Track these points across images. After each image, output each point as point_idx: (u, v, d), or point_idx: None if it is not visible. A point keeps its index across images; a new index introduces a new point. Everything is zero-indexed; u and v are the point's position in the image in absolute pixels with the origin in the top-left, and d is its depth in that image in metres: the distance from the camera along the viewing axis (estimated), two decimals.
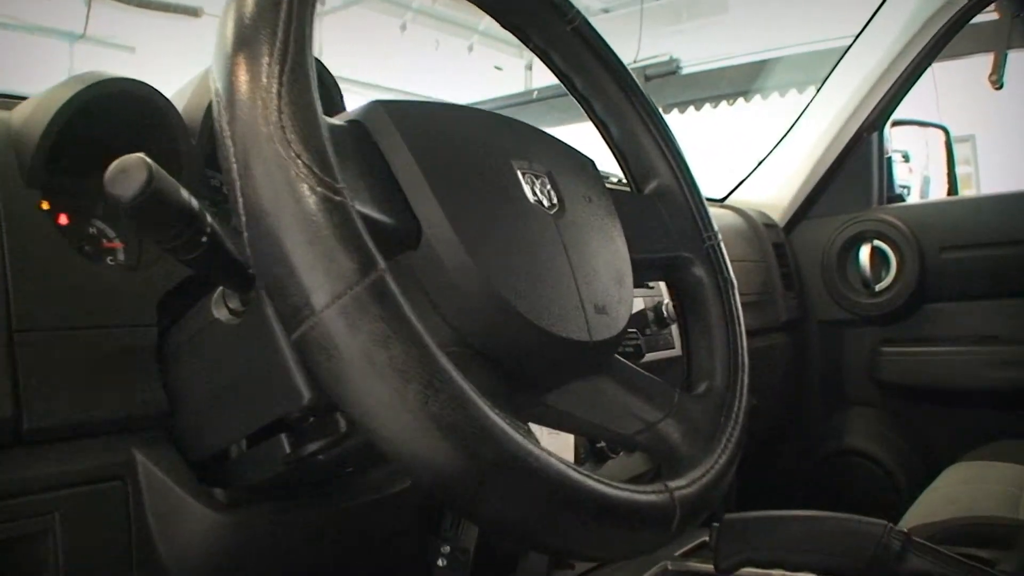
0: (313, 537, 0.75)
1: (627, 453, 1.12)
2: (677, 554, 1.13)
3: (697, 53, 5.81)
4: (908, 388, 1.86)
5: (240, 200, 0.44)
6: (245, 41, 0.46)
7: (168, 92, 0.77)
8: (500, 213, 0.58)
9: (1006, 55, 1.69)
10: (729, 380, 0.73)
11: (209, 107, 0.71)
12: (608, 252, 0.66)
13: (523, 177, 0.62)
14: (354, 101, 0.67)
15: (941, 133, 2.23)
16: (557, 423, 0.69)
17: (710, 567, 0.89)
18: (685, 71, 5.75)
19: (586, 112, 0.81)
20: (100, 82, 0.71)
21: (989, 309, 1.79)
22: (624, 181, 0.83)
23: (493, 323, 0.55)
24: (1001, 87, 1.68)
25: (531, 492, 0.46)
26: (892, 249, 1.85)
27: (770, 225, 1.88)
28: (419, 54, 7.05)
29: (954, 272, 1.80)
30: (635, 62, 5.37)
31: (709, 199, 1.96)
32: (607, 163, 0.84)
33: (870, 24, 1.89)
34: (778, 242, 1.87)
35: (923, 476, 1.59)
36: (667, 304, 0.98)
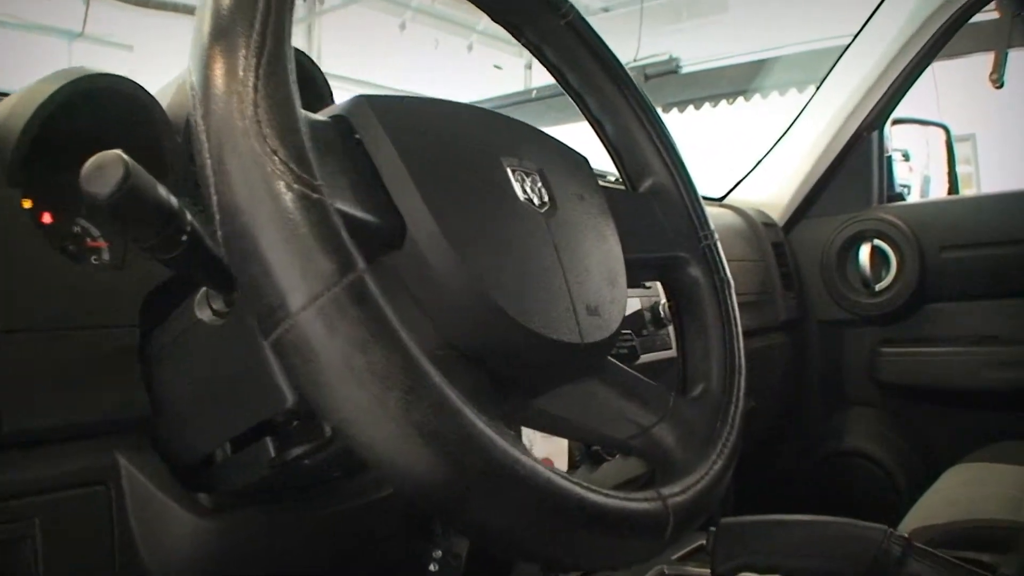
0: (300, 543, 0.73)
1: (623, 456, 1.10)
2: (674, 558, 1.11)
3: (697, 52, 5.81)
4: (908, 388, 1.84)
5: (214, 197, 0.42)
6: (222, 33, 0.44)
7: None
8: (489, 212, 0.57)
9: (1006, 54, 1.67)
10: (725, 383, 0.71)
11: None
12: (601, 252, 0.65)
13: (513, 175, 0.60)
14: None
15: (942, 132, 2.22)
16: (548, 427, 0.67)
17: (707, 571, 0.88)
18: (685, 70, 5.75)
19: (580, 109, 0.80)
20: (82, 78, 0.70)
21: (990, 309, 1.77)
22: (619, 179, 0.82)
23: (481, 325, 0.53)
24: (1001, 86, 1.67)
25: (518, 501, 0.44)
26: (892, 248, 1.83)
27: (769, 224, 1.86)
28: (418, 53, 7.04)
29: (954, 272, 1.79)
30: (635, 61, 5.36)
31: (707, 198, 1.96)
32: (604, 162, 0.83)
33: (870, 22, 1.87)
34: (777, 241, 1.85)
35: (923, 477, 1.57)
36: (664, 304, 0.97)
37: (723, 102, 5.56)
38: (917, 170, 2.26)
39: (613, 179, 1.16)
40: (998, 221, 1.78)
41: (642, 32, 5.65)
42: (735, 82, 5.45)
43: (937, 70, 2.05)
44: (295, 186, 0.41)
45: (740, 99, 5.48)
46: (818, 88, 1.96)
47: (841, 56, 1.91)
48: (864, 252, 1.87)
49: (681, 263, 0.76)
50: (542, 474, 0.45)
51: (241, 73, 0.43)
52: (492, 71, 7.27)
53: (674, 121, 5.55)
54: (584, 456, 1.02)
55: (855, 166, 1.93)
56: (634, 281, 0.71)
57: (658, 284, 1.17)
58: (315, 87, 0.84)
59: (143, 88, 0.73)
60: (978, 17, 1.81)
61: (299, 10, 6.60)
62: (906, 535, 0.81)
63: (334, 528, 0.75)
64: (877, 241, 1.85)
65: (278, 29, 0.45)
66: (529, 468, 0.44)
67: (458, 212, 0.54)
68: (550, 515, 0.45)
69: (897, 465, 1.83)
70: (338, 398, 0.41)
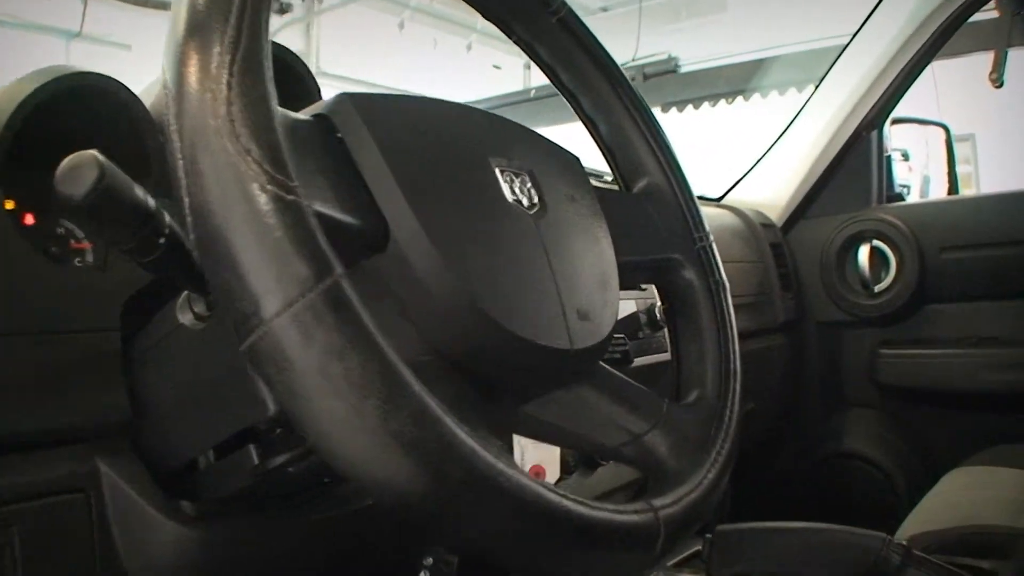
0: (286, 551, 0.72)
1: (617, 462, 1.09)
2: (669, 565, 1.10)
3: (696, 52, 5.80)
4: (907, 390, 1.83)
5: (186, 199, 0.41)
6: (196, 29, 0.43)
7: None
8: (476, 213, 0.55)
9: (1006, 53, 1.66)
10: (720, 388, 0.69)
11: None
12: (592, 254, 0.63)
13: (502, 175, 0.58)
14: None
15: (941, 131, 2.20)
16: (538, 434, 0.66)
17: None
18: (683, 70, 5.74)
19: (573, 108, 0.78)
20: (63, 76, 0.68)
21: (990, 310, 1.76)
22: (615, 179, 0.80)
23: (467, 331, 0.51)
24: (1001, 85, 1.66)
25: (502, 514, 0.43)
26: (891, 249, 1.82)
27: (767, 225, 1.85)
28: (417, 53, 7.03)
29: (954, 273, 1.77)
30: (633, 60, 5.35)
31: (705, 199, 1.95)
32: (601, 162, 0.81)
33: (869, 21, 1.86)
34: (775, 242, 1.83)
35: (923, 479, 1.56)
36: (660, 306, 0.95)
37: (722, 102, 5.55)
38: (917, 170, 2.25)
39: (610, 179, 1.15)
40: (998, 222, 1.76)
41: (641, 32, 5.64)
42: (734, 82, 5.44)
43: (936, 69, 2.04)
44: (269, 187, 0.40)
45: (739, 99, 5.47)
46: (817, 87, 1.95)
47: (840, 55, 1.90)
48: (863, 253, 1.85)
49: (675, 265, 0.75)
50: (527, 486, 0.43)
51: (215, 70, 0.41)
52: (491, 71, 7.26)
53: (673, 121, 5.54)
54: (579, 461, 1.00)
55: (854, 166, 1.91)
56: (627, 284, 0.69)
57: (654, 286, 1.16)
58: (302, 85, 0.83)
59: (125, 87, 0.72)
60: (978, 16, 1.80)
61: (297, 9, 6.61)
62: (905, 542, 0.80)
63: (321, 536, 0.74)
64: (876, 242, 1.84)
65: (254, 25, 0.43)
66: (514, 480, 0.43)
67: (443, 214, 0.52)
68: (536, 528, 0.44)
69: (896, 467, 1.81)
70: (314, 407, 0.40)
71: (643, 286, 1.15)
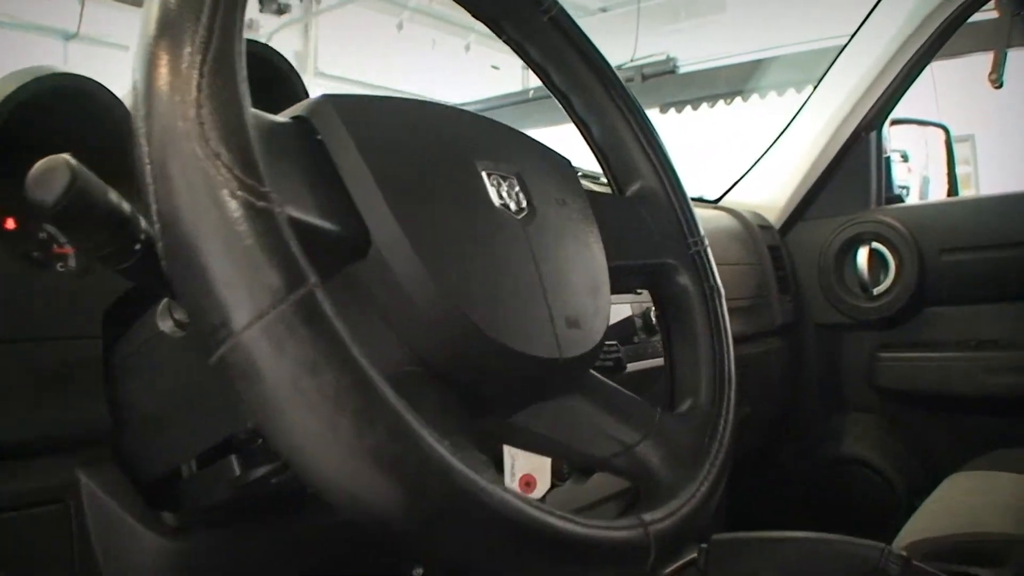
0: (271, 563, 0.70)
1: None
2: (663, 573, 1.08)
3: (695, 52, 5.79)
4: (907, 394, 1.81)
5: (154, 206, 0.39)
6: (167, 27, 0.41)
7: None
8: (461, 218, 0.53)
9: (1006, 54, 1.65)
10: (715, 397, 0.68)
11: None
12: (583, 260, 0.62)
13: (488, 179, 0.57)
14: None
15: (941, 132, 2.19)
16: (527, 445, 0.64)
17: None
18: (682, 70, 5.72)
19: (565, 109, 0.77)
20: (43, 77, 0.67)
21: (990, 313, 1.74)
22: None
23: (451, 340, 0.50)
24: (1001, 86, 1.65)
25: (483, 532, 0.41)
26: (890, 251, 1.80)
27: (765, 227, 1.83)
28: (416, 53, 7.03)
29: (954, 275, 1.76)
30: (632, 61, 5.33)
31: (703, 200, 1.94)
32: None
33: (867, 21, 1.84)
34: (773, 244, 1.82)
35: (922, 484, 1.55)
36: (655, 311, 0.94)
37: (720, 103, 5.54)
38: (916, 171, 2.23)
39: (605, 181, 1.14)
40: (998, 223, 1.74)
41: (640, 32, 5.63)
42: (732, 82, 5.43)
43: (936, 70, 2.03)
44: (239, 193, 0.38)
45: (738, 99, 5.46)
46: (815, 88, 1.93)
47: (838, 56, 1.88)
48: (862, 255, 1.83)
49: (669, 270, 0.73)
50: (510, 503, 0.41)
51: (184, 71, 0.40)
52: (490, 71, 7.25)
53: (672, 122, 5.53)
54: (572, 469, 0.99)
55: (853, 167, 1.89)
56: (619, 289, 0.68)
57: None
58: (288, 85, 0.81)
59: (107, 89, 0.71)
60: (977, 16, 1.79)
61: (295, 10, 6.60)
62: (904, 552, 0.78)
63: (307, 547, 0.72)
64: (875, 244, 1.82)
65: (227, 24, 0.42)
66: (496, 496, 0.41)
67: (426, 219, 0.51)
68: (519, 547, 0.42)
69: (896, 472, 1.80)
70: (286, 423, 0.38)
71: (639, 291, 1.13)
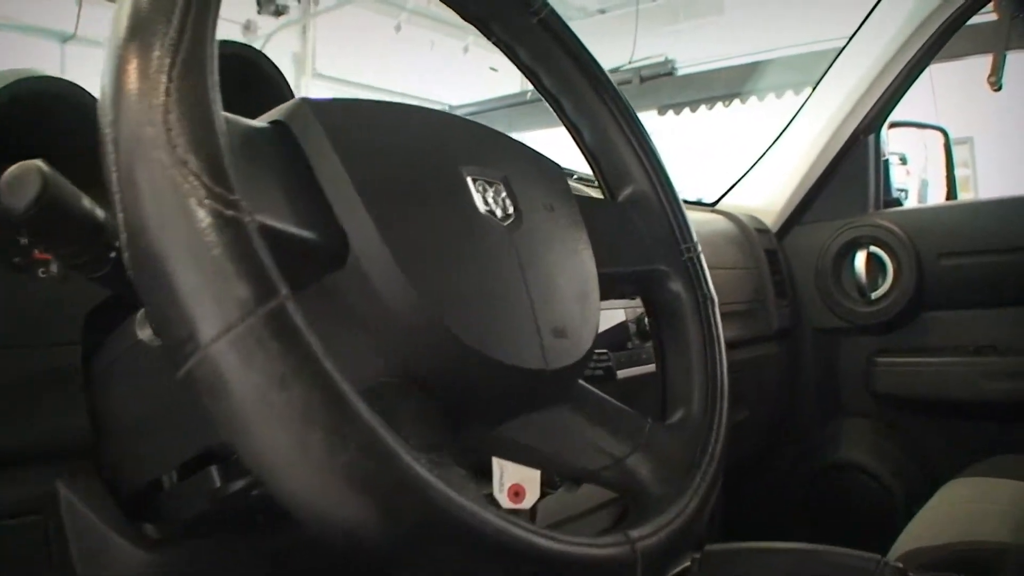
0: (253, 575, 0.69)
1: None
2: None
3: (694, 54, 5.78)
4: (905, 399, 1.79)
5: (121, 215, 0.38)
6: (138, 29, 0.40)
7: None
8: (444, 225, 0.52)
9: (1005, 56, 1.64)
10: (707, 408, 0.66)
11: None
12: (571, 267, 0.60)
13: (473, 184, 0.55)
14: None
15: (940, 135, 2.18)
16: (514, 456, 0.63)
17: None
18: (681, 72, 5.71)
19: (556, 112, 0.75)
20: (22, 80, 0.66)
21: (989, 318, 1.73)
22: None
23: (432, 351, 0.48)
24: (1000, 88, 1.64)
25: (465, 552, 0.39)
26: (888, 255, 1.78)
27: (762, 231, 1.82)
28: (414, 55, 7.02)
29: (953, 279, 1.74)
30: (630, 63, 5.32)
31: (700, 203, 1.92)
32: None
33: (865, 24, 1.83)
34: (771, 248, 1.80)
35: (920, 490, 1.53)
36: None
37: (719, 104, 5.53)
38: (915, 174, 2.22)
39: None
40: (997, 227, 1.73)
41: (639, 34, 5.62)
42: (731, 84, 5.42)
43: (934, 72, 2.02)
44: (207, 202, 0.37)
45: (736, 102, 5.45)
46: (813, 91, 1.92)
47: (836, 58, 1.87)
48: (860, 259, 1.81)
49: (661, 277, 0.72)
50: (490, 521, 0.40)
51: (153, 75, 0.38)
52: (488, 73, 7.23)
53: (670, 124, 5.53)
54: (563, 477, 0.97)
55: (851, 171, 1.88)
56: (609, 297, 0.66)
57: None
58: (272, 89, 0.80)
59: (89, 93, 0.69)
60: (976, 19, 1.77)
61: (293, 11, 6.59)
62: (899, 564, 0.77)
63: (291, 561, 0.71)
64: (873, 248, 1.80)
65: (199, 26, 0.40)
66: (475, 514, 0.39)
67: (408, 226, 0.49)
68: (500, 567, 0.41)
69: (893, 478, 1.78)
70: (255, 440, 0.36)
71: (634, 296, 1.12)
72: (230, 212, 0.37)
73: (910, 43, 1.77)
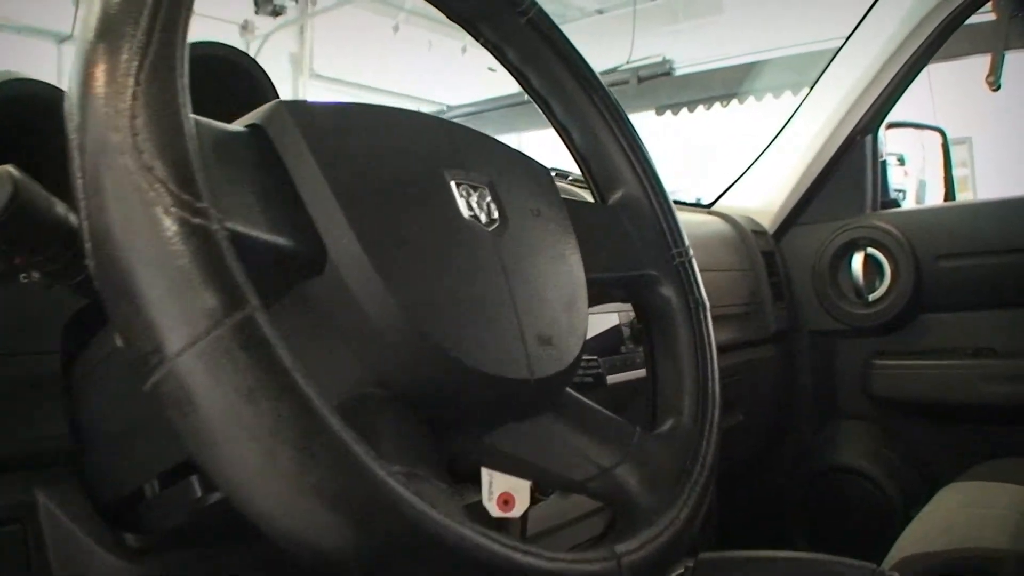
0: None
1: None
2: None
3: (693, 54, 5.77)
4: (902, 402, 1.78)
5: (85, 223, 0.37)
6: (107, 29, 0.38)
7: None
8: (425, 231, 0.51)
9: (1003, 56, 1.63)
10: (697, 417, 0.65)
11: None
12: (558, 273, 0.59)
13: (457, 189, 0.54)
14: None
15: (938, 135, 2.17)
16: (500, 466, 0.61)
17: None
18: (680, 72, 5.70)
19: (545, 115, 0.74)
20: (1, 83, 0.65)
21: (987, 320, 1.72)
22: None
23: (412, 361, 0.47)
24: (998, 88, 1.63)
25: (441, 570, 0.38)
26: (886, 257, 1.77)
27: (759, 232, 1.80)
28: (412, 55, 7.01)
29: (951, 281, 1.73)
30: (628, 63, 5.31)
31: (697, 205, 1.91)
32: None
33: (863, 23, 1.82)
34: (767, 250, 1.79)
35: (918, 493, 1.53)
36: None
37: (716, 105, 5.52)
38: (913, 174, 2.21)
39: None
40: (996, 229, 1.72)
41: (638, 34, 5.61)
42: (728, 85, 5.42)
43: (932, 73, 2.01)
44: (172, 209, 0.35)
45: (734, 102, 5.44)
46: (810, 91, 1.91)
47: (834, 58, 1.86)
48: (857, 261, 1.80)
49: (651, 282, 0.70)
50: (468, 537, 0.39)
51: (120, 78, 0.37)
52: (486, 73, 7.22)
53: (668, 124, 5.52)
54: None
55: (848, 172, 1.87)
56: (599, 302, 0.65)
57: None
58: (257, 91, 0.78)
59: (65, 94, 0.68)
60: (974, 18, 1.77)
61: (291, 11, 6.58)
62: (896, 573, 0.76)
63: (272, 571, 0.70)
64: (871, 249, 1.79)
65: (168, 26, 0.39)
66: (453, 531, 0.38)
67: (387, 232, 0.48)
68: None
69: (891, 481, 1.77)
70: (223, 456, 0.35)
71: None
72: (197, 220, 0.36)
73: (908, 43, 1.76)
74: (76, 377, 0.63)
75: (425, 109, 6.67)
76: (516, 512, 0.74)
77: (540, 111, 0.75)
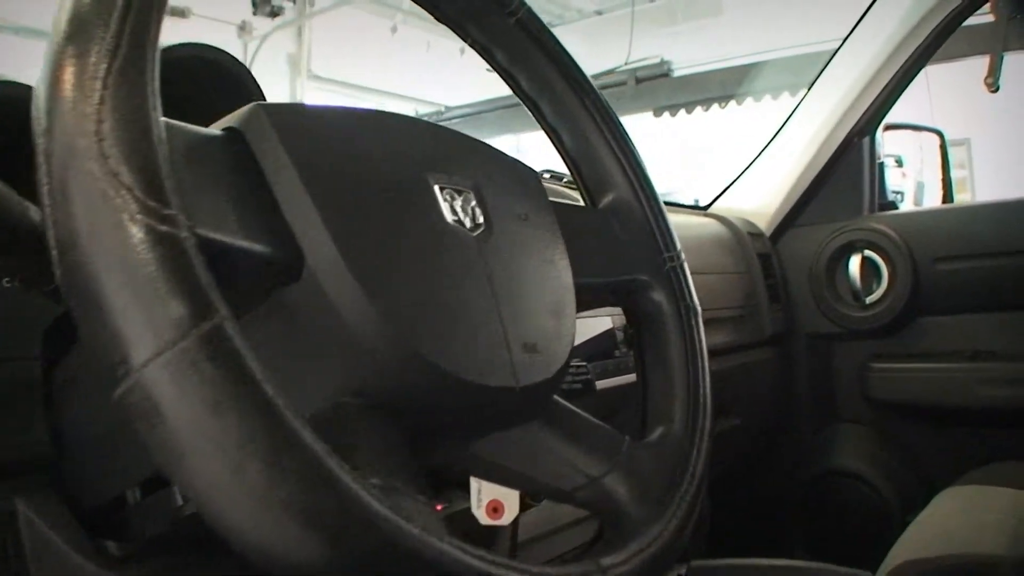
0: None
1: None
2: None
3: (692, 55, 5.75)
4: (900, 405, 1.77)
5: (51, 230, 0.36)
6: (76, 31, 0.38)
7: None
8: (406, 236, 0.50)
9: (1002, 57, 1.63)
10: (688, 425, 0.64)
11: None
12: (545, 279, 0.58)
13: (441, 193, 0.53)
14: (343, 104, 0.59)
15: (936, 137, 2.16)
16: (485, 475, 0.60)
17: None
18: (679, 73, 5.69)
19: (535, 117, 0.73)
20: None
21: (985, 323, 1.71)
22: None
23: (392, 369, 0.46)
24: (997, 90, 1.62)
25: None
26: (883, 259, 1.77)
27: (756, 234, 1.80)
28: (410, 56, 6.99)
29: (949, 284, 1.72)
30: (626, 64, 5.30)
31: (693, 207, 1.90)
32: None
33: (860, 24, 1.81)
34: (764, 252, 1.78)
35: (916, 498, 1.52)
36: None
37: (715, 106, 5.51)
38: (911, 176, 2.20)
39: None
40: (994, 231, 1.71)
41: (637, 35, 5.60)
42: (726, 86, 5.40)
43: (931, 73, 2.00)
44: (139, 216, 0.34)
45: (732, 103, 5.43)
46: (807, 93, 1.90)
47: (831, 59, 1.85)
48: (854, 263, 1.79)
49: (642, 287, 0.69)
50: (448, 553, 0.38)
51: (87, 81, 0.36)
52: (484, 75, 7.21)
53: (665, 125, 5.51)
54: None
55: (845, 174, 1.86)
56: (588, 308, 0.64)
57: None
58: (243, 92, 0.77)
59: None
60: (972, 20, 1.76)
61: (289, 12, 6.56)
62: None
63: None
64: (868, 252, 1.78)
65: (139, 28, 0.38)
66: (430, 546, 0.37)
67: (366, 238, 0.47)
68: None
69: (888, 485, 1.76)
70: (191, 470, 0.34)
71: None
72: (164, 227, 0.35)
73: (906, 44, 1.75)
74: (57, 383, 0.62)
75: (423, 110, 6.66)
76: (505, 520, 0.73)
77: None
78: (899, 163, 2.09)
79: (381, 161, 0.52)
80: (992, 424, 1.68)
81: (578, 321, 0.60)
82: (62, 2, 0.39)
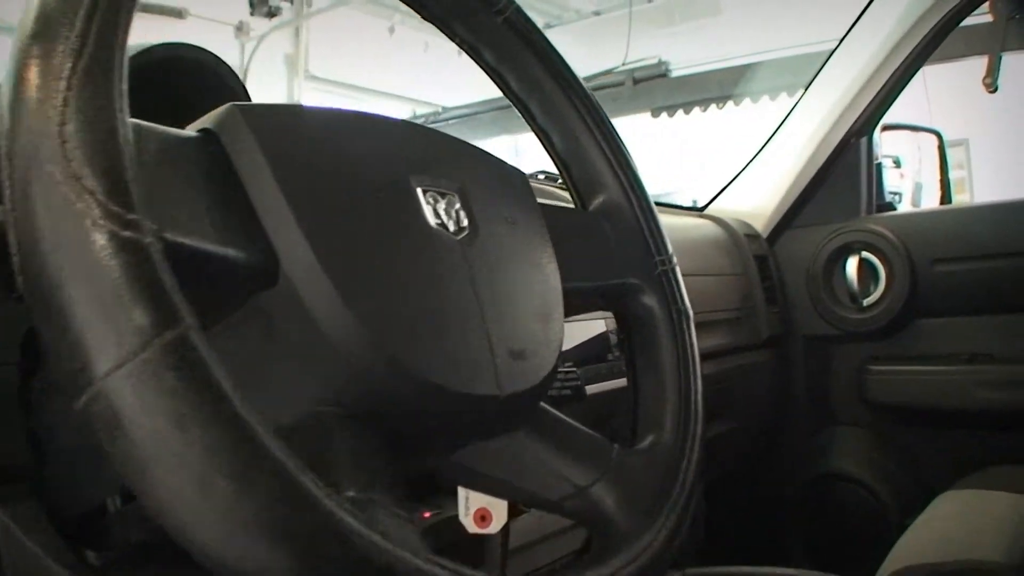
0: None
1: None
2: None
3: (690, 55, 5.75)
4: (898, 408, 1.76)
5: (12, 235, 0.35)
6: (42, 31, 0.36)
7: None
8: (387, 241, 0.48)
9: (1000, 57, 1.63)
10: (679, 433, 0.63)
11: None
12: (532, 283, 0.57)
13: (424, 196, 0.52)
14: (342, 105, 0.59)
15: (934, 138, 2.15)
16: (472, 485, 0.59)
17: None
18: (677, 74, 5.68)
19: (524, 118, 0.72)
20: None
21: (984, 325, 1.69)
22: None
23: (370, 377, 0.45)
24: (995, 90, 1.61)
25: None
26: (881, 261, 1.75)
27: (752, 236, 1.78)
28: (408, 56, 6.98)
29: (947, 286, 1.71)
30: (624, 65, 5.29)
31: (690, 208, 1.89)
32: None
33: (858, 24, 1.80)
34: (760, 254, 1.77)
35: (914, 501, 1.50)
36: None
37: (712, 107, 5.50)
38: (909, 177, 2.19)
39: None
40: (992, 232, 1.70)
41: (635, 36, 5.59)
42: (724, 86, 5.40)
43: (928, 74, 1.99)
44: (101, 222, 0.33)
45: (730, 103, 5.43)
46: (804, 93, 1.89)
47: (828, 59, 1.84)
48: (852, 265, 1.78)
49: (633, 291, 0.68)
50: (422, 569, 0.36)
51: (51, 82, 0.35)
52: (482, 75, 7.21)
53: (663, 126, 5.50)
54: None
55: (843, 174, 1.85)
56: (579, 312, 0.63)
57: None
58: (226, 93, 0.75)
59: None
60: (971, 20, 1.75)
61: (286, 13, 6.55)
62: None
63: None
64: (865, 253, 1.77)
65: (106, 27, 0.37)
66: (406, 563, 0.36)
67: (344, 242, 0.46)
68: None
69: (886, 488, 1.75)
70: (154, 484, 0.33)
71: None
72: (127, 233, 0.34)
73: (903, 44, 1.74)
74: (35, 390, 0.61)
75: (421, 111, 6.65)
76: (493, 528, 0.72)
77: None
78: (897, 164, 2.08)
79: (362, 163, 0.50)
80: (990, 427, 1.66)
81: (570, 324, 0.59)
82: (29, 1, 0.38)
